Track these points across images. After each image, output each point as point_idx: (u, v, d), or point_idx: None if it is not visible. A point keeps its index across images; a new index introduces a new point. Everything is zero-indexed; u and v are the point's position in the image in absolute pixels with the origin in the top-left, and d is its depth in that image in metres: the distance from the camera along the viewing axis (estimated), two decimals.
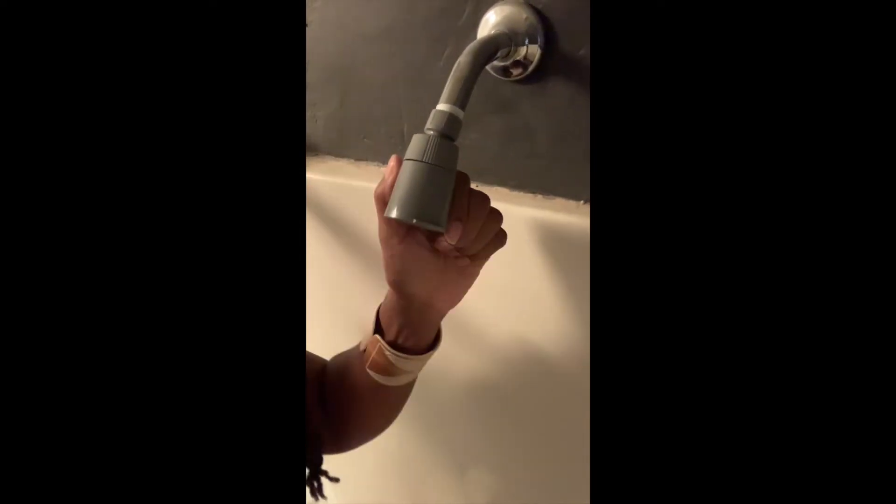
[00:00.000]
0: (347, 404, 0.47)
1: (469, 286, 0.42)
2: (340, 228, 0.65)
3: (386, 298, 0.43)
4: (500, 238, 0.40)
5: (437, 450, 0.75)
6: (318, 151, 0.66)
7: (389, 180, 0.37)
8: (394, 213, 0.35)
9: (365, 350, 0.44)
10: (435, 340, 0.45)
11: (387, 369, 0.43)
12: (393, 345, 0.42)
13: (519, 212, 0.52)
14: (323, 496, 0.47)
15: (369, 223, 0.63)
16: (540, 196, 0.53)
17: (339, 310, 0.71)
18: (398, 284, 0.40)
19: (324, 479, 0.48)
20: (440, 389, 0.67)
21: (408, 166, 0.36)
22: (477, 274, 0.42)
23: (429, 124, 0.37)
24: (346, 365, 0.47)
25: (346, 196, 0.62)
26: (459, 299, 0.43)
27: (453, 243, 0.37)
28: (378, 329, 0.44)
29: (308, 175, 0.63)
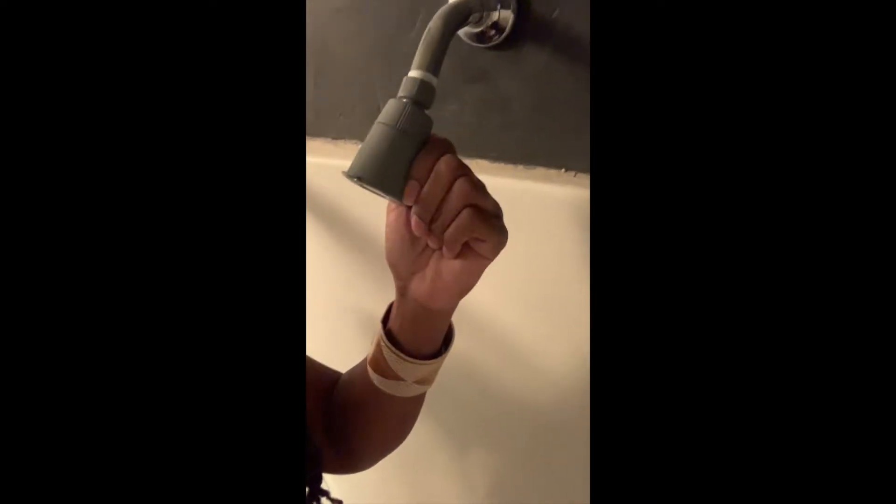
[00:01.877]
0: (350, 415, 0.45)
1: (463, 288, 0.37)
2: (319, 208, 0.64)
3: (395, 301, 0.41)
4: (479, 219, 0.33)
5: (436, 430, 0.75)
6: None
7: None
8: (353, 172, 0.35)
9: (371, 349, 0.42)
10: (439, 352, 0.41)
11: (385, 371, 0.40)
12: (392, 339, 0.40)
13: (500, 183, 0.51)
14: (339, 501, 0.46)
15: (349, 202, 0.62)
16: (521, 167, 0.52)
17: (319, 291, 0.71)
18: (389, 263, 0.38)
19: (324, 500, 0.46)
20: (446, 376, 0.66)
21: (377, 130, 0.35)
22: (473, 273, 0.36)
23: (401, 92, 0.37)
24: (353, 375, 0.45)
25: (325, 175, 0.61)
26: (452, 299, 0.38)
27: (408, 205, 0.34)
28: (385, 321, 0.41)
29: None
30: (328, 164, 0.60)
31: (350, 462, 0.48)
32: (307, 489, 0.45)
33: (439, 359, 0.41)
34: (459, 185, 0.33)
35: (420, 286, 0.37)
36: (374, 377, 0.41)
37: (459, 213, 0.33)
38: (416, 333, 0.40)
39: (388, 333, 0.40)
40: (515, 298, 0.57)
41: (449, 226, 0.33)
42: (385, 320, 0.41)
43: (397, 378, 0.41)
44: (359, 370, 0.44)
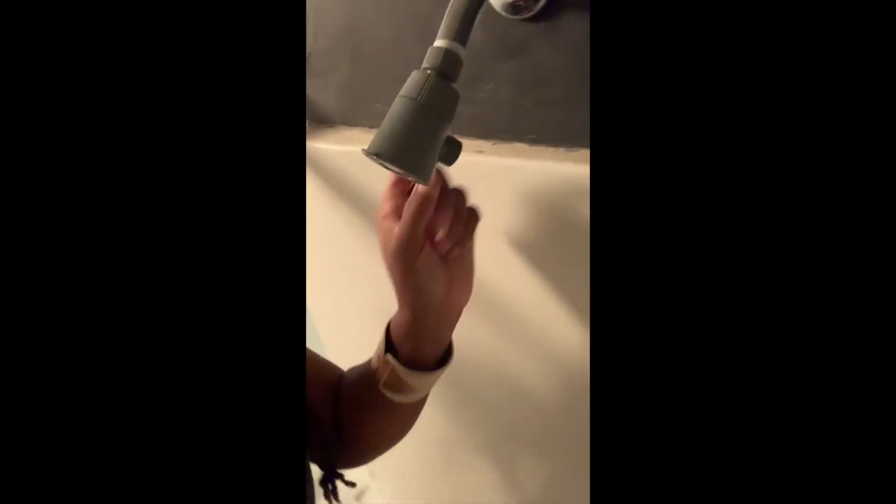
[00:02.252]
0: (360, 420, 0.46)
1: (472, 274, 0.42)
2: (355, 198, 0.62)
3: (397, 316, 0.42)
4: (474, 216, 0.40)
5: (483, 436, 0.72)
6: (332, 122, 0.64)
7: (387, 207, 0.39)
8: (371, 149, 0.33)
9: (377, 369, 0.42)
10: (447, 355, 0.43)
11: (400, 387, 0.41)
12: (405, 363, 0.41)
13: (540, 167, 0.48)
14: (337, 500, 0.46)
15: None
16: (562, 149, 0.48)
17: (354, 281, 0.69)
18: (415, 300, 0.39)
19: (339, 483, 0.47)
20: (481, 375, 0.65)
21: (398, 104, 0.33)
22: (473, 259, 0.41)
23: (425, 62, 0.34)
24: (359, 380, 0.45)
25: (362, 165, 0.60)
26: (470, 293, 0.42)
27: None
28: (389, 345, 0.42)
29: (321, 145, 0.61)
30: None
31: (357, 458, 0.49)
32: (322, 472, 0.45)
33: (452, 358, 0.43)
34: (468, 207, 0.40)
35: (449, 293, 0.39)
36: (390, 394, 0.42)
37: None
38: (437, 345, 0.41)
39: (401, 358, 0.41)
40: (557, 288, 0.53)
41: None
42: (390, 346, 0.42)
43: (416, 389, 0.42)
44: (366, 385, 0.43)
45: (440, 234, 0.38)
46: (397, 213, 0.38)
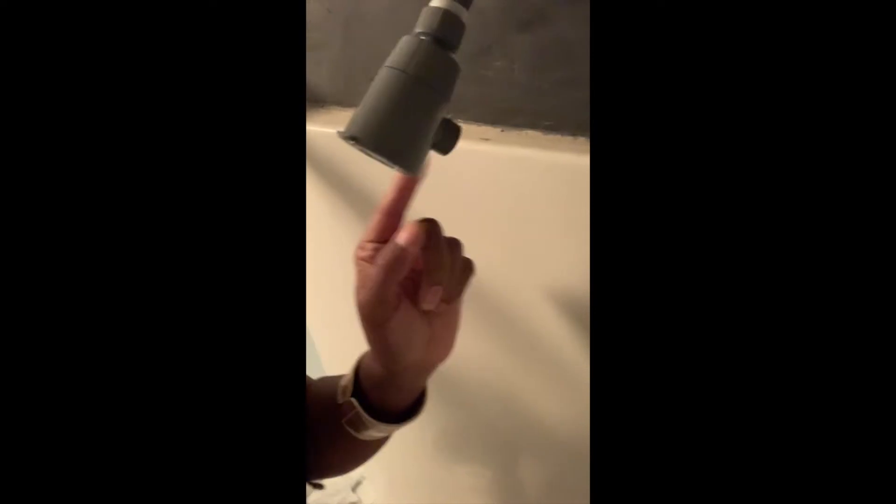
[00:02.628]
0: (319, 447, 0.43)
1: (457, 329, 0.37)
2: (349, 187, 0.57)
3: (368, 361, 0.38)
4: (469, 270, 0.35)
5: (477, 437, 0.69)
6: (324, 102, 0.58)
7: (369, 248, 0.34)
8: (348, 131, 0.26)
9: (341, 405, 0.39)
10: (419, 402, 0.40)
11: (363, 428, 0.39)
12: (371, 410, 0.38)
13: (557, 160, 0.41)
14: (320, 486, 0.45)
15: (382, 179, 0.54)
16: (582, 139, 0.42)
17: (345, 270, 0.64)
18: (387, 361, 0.35)
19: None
20: (484, 379, 0.61)
21: (383, 76, 0.27)
22: (460, 313, 0.37)
23: (419, 26, 0.28)
24: (324, 407, 0.42)
25: (356, 151, 0.54)
26: (451, 350, 0.38)
27: (433, 307, 0.33)
28: (357, 387, 0.38)
29: (311, 127, 0.55)
30: None
31: (316, 473, 0.46)
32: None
33: (423, 408, 0.40)
34: (464, 260, 0.34)
35: (427, 351, 0.35)
36: (353, 432, 0.39)
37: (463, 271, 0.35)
38: (402, 397, 0.38)
39: (367, 404, 0.38)
40: (572, 295, 0.47)
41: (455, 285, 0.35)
42: (358, 393, 0.38)
43: (382, 433, 0.40)
44: (328, 407, 0.39)
45: (427, 291, 0.32)
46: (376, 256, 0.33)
